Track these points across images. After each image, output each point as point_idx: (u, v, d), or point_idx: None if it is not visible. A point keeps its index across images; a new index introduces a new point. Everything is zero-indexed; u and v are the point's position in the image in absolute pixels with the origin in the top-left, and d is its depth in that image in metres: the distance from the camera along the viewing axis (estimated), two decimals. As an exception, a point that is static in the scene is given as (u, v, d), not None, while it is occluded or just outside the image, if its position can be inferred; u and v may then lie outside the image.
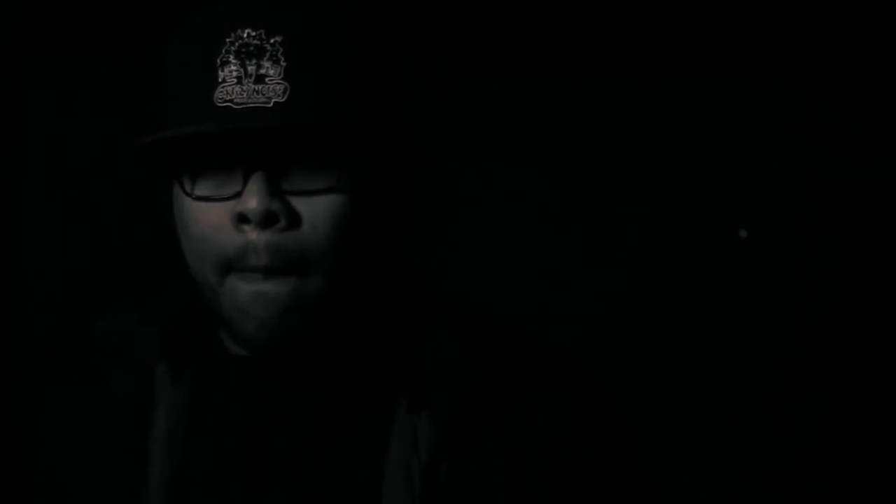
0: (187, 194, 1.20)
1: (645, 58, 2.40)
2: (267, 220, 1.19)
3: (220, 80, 1.22)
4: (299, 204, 1.20)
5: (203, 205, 1.21)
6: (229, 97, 1.22)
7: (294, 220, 1.20)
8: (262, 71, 1.22)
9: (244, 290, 1.21)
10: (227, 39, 1.24)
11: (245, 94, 1.22)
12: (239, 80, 1.22)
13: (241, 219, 1.19)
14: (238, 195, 1.20)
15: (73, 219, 2.41)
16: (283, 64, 1.22)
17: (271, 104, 1.21)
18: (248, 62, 1.23)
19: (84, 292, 2.31)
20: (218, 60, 1.23)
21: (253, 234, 1.19)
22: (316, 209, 1.20)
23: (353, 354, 1.27)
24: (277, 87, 1.22)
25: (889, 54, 2.36)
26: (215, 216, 1.21)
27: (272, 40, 1.23)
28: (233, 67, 1.22)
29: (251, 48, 1.23)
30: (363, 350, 1.27)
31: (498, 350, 1.27)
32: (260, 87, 1.22)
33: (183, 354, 1.29)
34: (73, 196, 2.41)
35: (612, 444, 1.26)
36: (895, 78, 2.37)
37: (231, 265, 1.19)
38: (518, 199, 2.47)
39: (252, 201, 1.19)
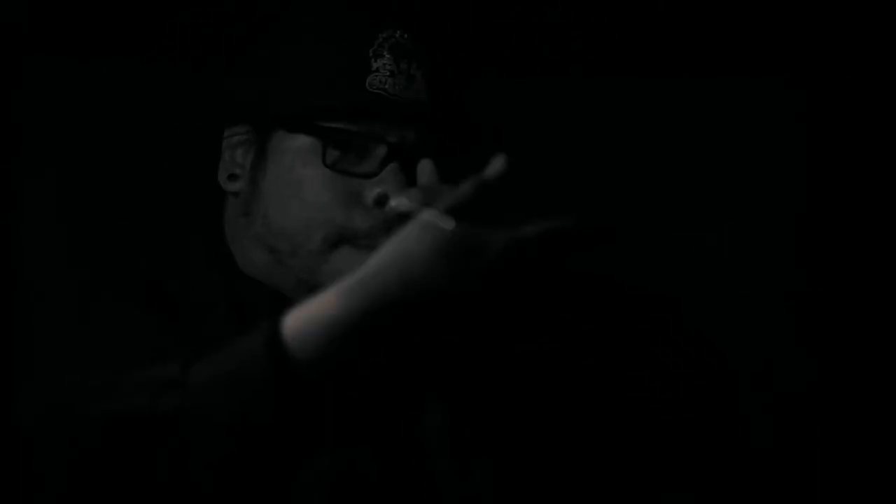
0: (325, 164, 1.29)
1: (641, 58, 2.40)
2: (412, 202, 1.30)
3: (373, 69, 1.32)
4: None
5: (334, 176, 1.30)
6: (382, 86, 1.34)
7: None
8: (412, 72, 1.33)
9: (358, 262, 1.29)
10: (381, 35, 1.35)
11: (397, 88, 1.34)
12: (392, 74, 1.35)
13: (383, 198, 1.31)
14: (373, 175, 1.29)
15: (73, 219, 2.41)
16: (426, 70, 1.37)
17: (417, 102, 1.36)
18: (400, 60, 1.31)
19: (84, 293, 2.31)
20: (370, 51, 1.33)
21: (386, 214, 1.30)
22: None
23: None
24: (422, 89, 1.35)
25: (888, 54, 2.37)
26: (345, 189, 1.32)
27: (419, 46, 1.37)
28: (386, 61, 1.35)
29: (404, 48, 1.34)
30: None
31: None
32: (409, 84, 1.33)
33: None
34: (73, 196, 2.41)
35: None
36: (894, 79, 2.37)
37: (353, 238, 1.28)
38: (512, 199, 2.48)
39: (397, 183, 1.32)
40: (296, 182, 1.33)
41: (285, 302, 1.26)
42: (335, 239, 1.30)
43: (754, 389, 2.41)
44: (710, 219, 2.47)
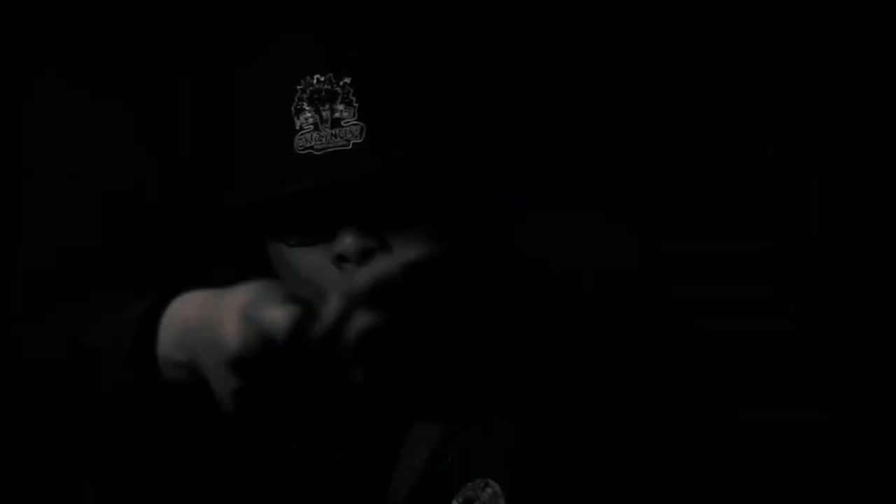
0: (285, 243, 1.29)
1: (647, 58, 2.40)
2: (364, 257, 1.28)
3: (297, 127, 1.30)
4: (390, 234, 1.30)
5: (301, 249, 1.29)
6: (309, 144, 1.30)
7: (388, 250, 1.30)
8: (337, 115, 1.30)
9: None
10: (298, 87, 1.31)
11: (324, 140, 1.29)
12: (316, 127, 1.30)
13: (341, 259, 1.29)
14: (333, 236, 1.29)
15: (73, 218, 2.41)
16: (356, 105, 1.30)
17: (350, 146, 1.29)
18: (321, 107, 1.30)
19: (83, 292, 2.31)
20: (292, 108, 1.31)
21: (354, 269, 1.28)
22: (407, 236, 1.30)
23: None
24: (354, 128, 1.30)
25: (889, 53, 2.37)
26: (315, 258, 1.31)
27: (341, 82, 1.31)
28: (308, 115, 1.30)
29: (323, 93, 1.31)
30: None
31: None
32: (337, 130, 1.29)
33: None
34: (73, 196, 2.41)
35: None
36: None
37: None
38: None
39: (349, 242, 1.28)
40: (277, 258, 1.36)
41: None
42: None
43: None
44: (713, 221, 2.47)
